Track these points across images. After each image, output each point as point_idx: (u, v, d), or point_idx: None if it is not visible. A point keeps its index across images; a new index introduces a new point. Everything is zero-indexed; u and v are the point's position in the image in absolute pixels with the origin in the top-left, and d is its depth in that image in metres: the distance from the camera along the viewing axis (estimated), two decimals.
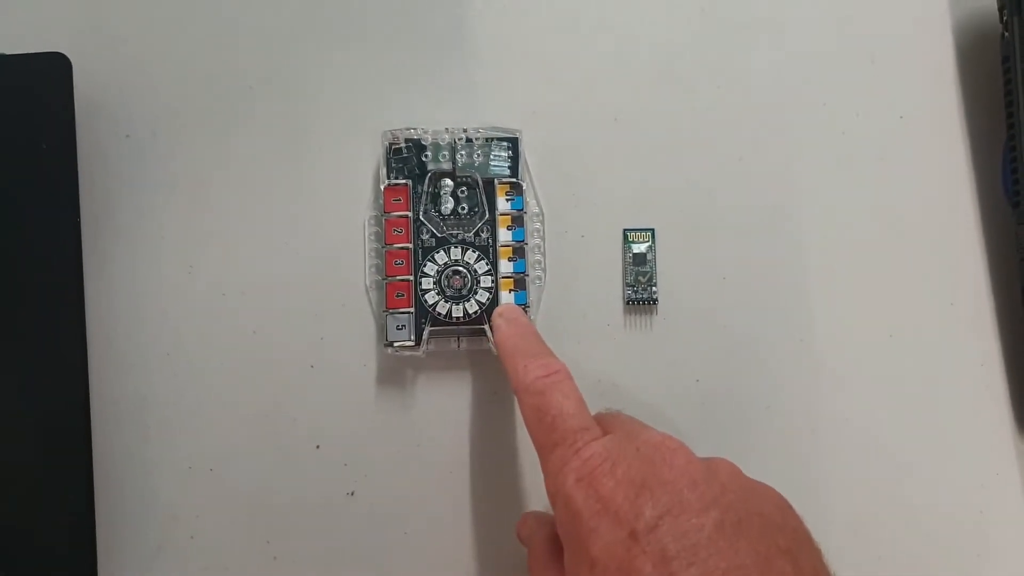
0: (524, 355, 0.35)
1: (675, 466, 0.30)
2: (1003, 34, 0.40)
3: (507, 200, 0.39)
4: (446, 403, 0.40)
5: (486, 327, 0.38)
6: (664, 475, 0.30)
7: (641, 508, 0.29)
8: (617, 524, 0.29)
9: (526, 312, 0.39)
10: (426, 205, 0.39)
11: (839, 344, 0.41)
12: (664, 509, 0.28)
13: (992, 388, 0.41)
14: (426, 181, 0.39)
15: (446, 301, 0.38)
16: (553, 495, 0.31)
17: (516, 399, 0.34)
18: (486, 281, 0.39)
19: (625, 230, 0.41)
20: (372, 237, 0.40)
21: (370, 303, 0.40)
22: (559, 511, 0.31)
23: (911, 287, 0.41)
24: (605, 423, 0.33)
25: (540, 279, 0.40)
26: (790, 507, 0.31)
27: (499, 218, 0.39)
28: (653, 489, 0.29)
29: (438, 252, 0.39)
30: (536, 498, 0.39)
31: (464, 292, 0.39)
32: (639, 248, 0.41)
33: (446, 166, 0.39)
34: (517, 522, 0.37)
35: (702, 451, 0.40)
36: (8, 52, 0.38)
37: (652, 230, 0.41)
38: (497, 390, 0.40)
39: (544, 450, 0.32)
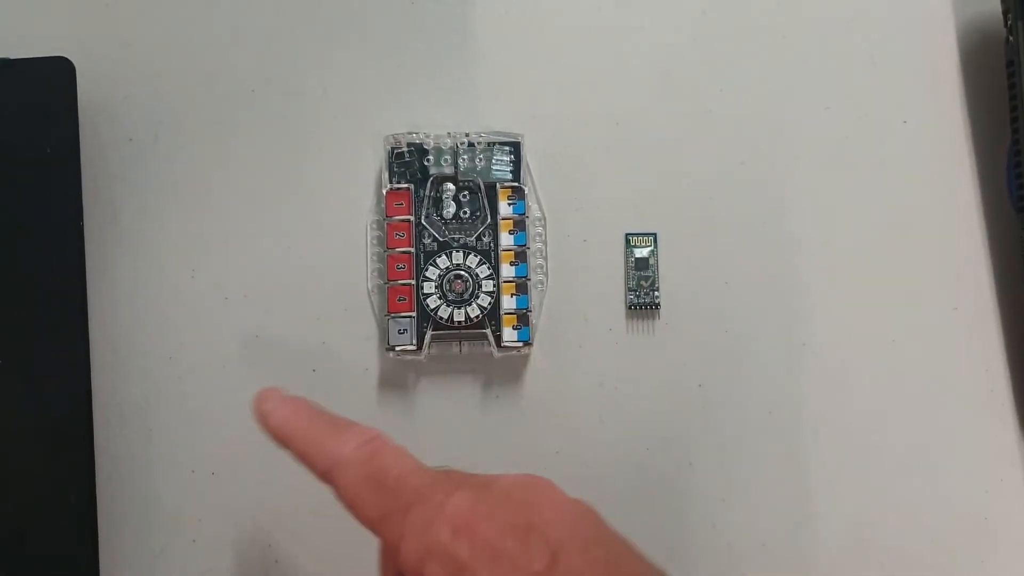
0: (326, 431, 0.30)
1: (556, 506, 0.29)
2: (1007, 38, 0.40)
3: (509, 204, 0.39)
4: (448, 407, 0.40)
5: (488, 331, 0.38)
6: (548, 516, 0.28)
7: (533, 551, 0.27)
8: (514, 570, 0.27)
9: (527, 316, 0.39)
10: (428, 209, 0.39)
11: (842, 349, 0.41)
12: (556, 547, 0.27)
13: (996, 392, 0.41)
14: (428, 185, 0.39)
15: (448, 305, 0.38)
16: (422, 557, 0.27)
17: (333, 483, 0.30)
18: (488, 285, 0.39)
19: (627, 234, 0.41)
20: (374, 241, 0.40)
21: (372, 307, 0.40)
22: (438, 572, 0.27)
23: (914, 291, 0.41)
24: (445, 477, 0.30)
25: (542, 283, 0.40)
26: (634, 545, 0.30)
27: (501, 222, 0.39)
28: (544, 530, 0.28)
29: (440, 256, 0.39)
30: None
31: (466, 296, 0.39)
32: (641, 252, 0.40)
33: (448, 170, 0.39)
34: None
35: (705, 456, 0.41)
36: (12, 57, 0.38)
37: (654, 234, 0.41)
38: (499, 394, 0.40)
39: (392, 518, 0.28)
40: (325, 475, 0.30)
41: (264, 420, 0.31)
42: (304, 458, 0.30)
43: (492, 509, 0.28)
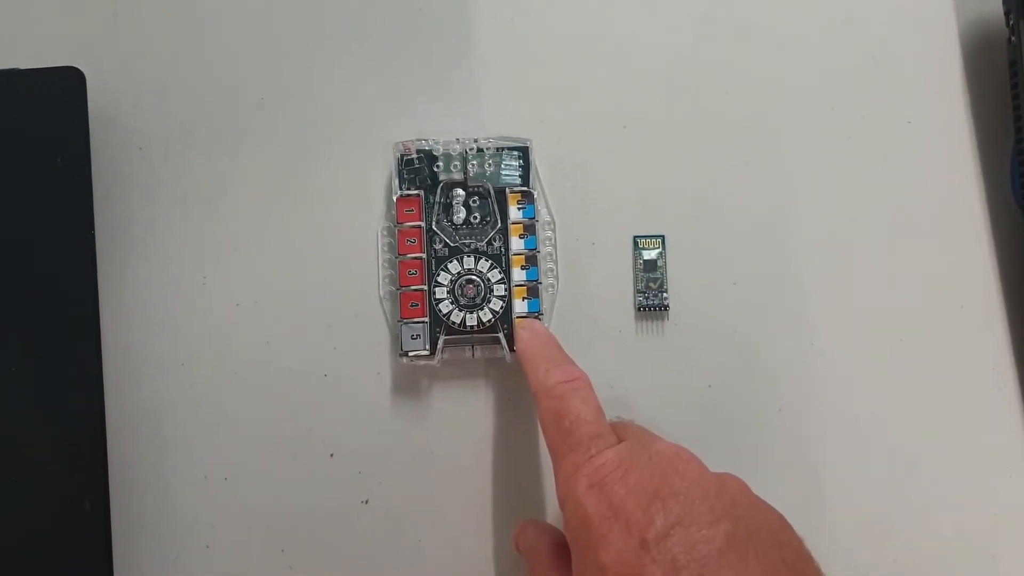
0: (546, 361, 0.35)
1: (687, 477, 0.30)
2: (1009, 38, 0.40)
3: (518, 209, 0.39)
4: (461, 411, 0.40)
5: (500, 335, 0.39)
6: (676, 485, 0.30)
7: (652, 517, 0.29)
8: (628, 532, 0.29)
9: (539, 319, 0.39)
10: (438, 215, 0.39)
11: (850, 348, 0.41)
12: (675, 519, 0.29)
13: (1003, 390, 0.41)
14: (438, 191, 0.39)
15: (460, 310, 0.39)
16: (563, 500, 0.31)
17: (535, 403, 0.34)
18: (499, 289, 0.39)
19: (635, 237, 0.41)
20: (385, 248, 0.40)
21: (384, 313, 0.40)
22: (569, 516, 0.31)
23: (921, 290, 0.41)
24: (618, 431, 0.33)
25: (552, 287, 0.40)
26: (791, 526, 0.32)
27: (511, 227, 0.39)
28: (665, 499, 0.29)
29: (451, 262, 0.39)
30: (551, 505, 0.40)
31: (478, 301, 0.39)
32: (650, 255, 0.41)
33: (457, 176, 0.40)
34: (514, 530, 0.37)
35: (715, 456, 0.41)
36: (23, 67, 0.38)
37: (662, 236, 0.41)
38: (512, 398, 0.40)
39: (558, 454, 0.32)
40: (533, 396, 0.35)
41: (516, 341, 0.38)
42: (526, 377, 0.36)
43: (629, 472, 0.30)
